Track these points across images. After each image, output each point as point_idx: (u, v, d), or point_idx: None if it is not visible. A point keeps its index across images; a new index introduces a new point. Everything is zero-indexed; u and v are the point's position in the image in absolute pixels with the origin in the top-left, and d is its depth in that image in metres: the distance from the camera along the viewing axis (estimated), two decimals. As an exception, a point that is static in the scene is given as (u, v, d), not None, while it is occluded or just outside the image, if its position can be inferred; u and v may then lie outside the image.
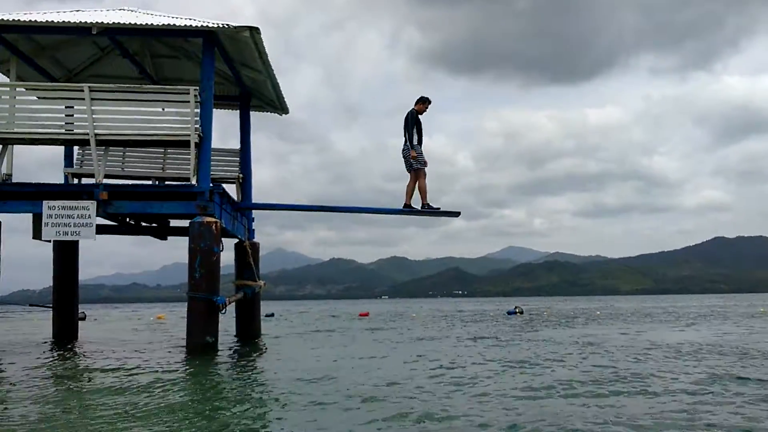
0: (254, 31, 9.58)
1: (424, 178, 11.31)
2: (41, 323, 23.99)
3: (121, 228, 12.65)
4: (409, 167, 11.22)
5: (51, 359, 10.18)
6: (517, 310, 33.14)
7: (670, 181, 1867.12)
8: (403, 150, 11.22)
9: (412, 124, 11.13)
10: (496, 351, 10.77)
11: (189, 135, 9.68)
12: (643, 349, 10.59)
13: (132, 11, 10.85)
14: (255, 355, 10.67)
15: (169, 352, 11.20)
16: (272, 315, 32.54)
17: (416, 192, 11.35)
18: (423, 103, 11.32)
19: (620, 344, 11.64)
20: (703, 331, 15.83)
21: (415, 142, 11.12)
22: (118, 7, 11.22)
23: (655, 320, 22.15)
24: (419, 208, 11.44)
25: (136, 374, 7.87)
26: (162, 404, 5.70)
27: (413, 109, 11.27)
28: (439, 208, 11.51)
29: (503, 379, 7.20)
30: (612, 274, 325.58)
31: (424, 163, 11.24)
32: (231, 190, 12.09)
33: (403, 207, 11.47)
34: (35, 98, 10.31)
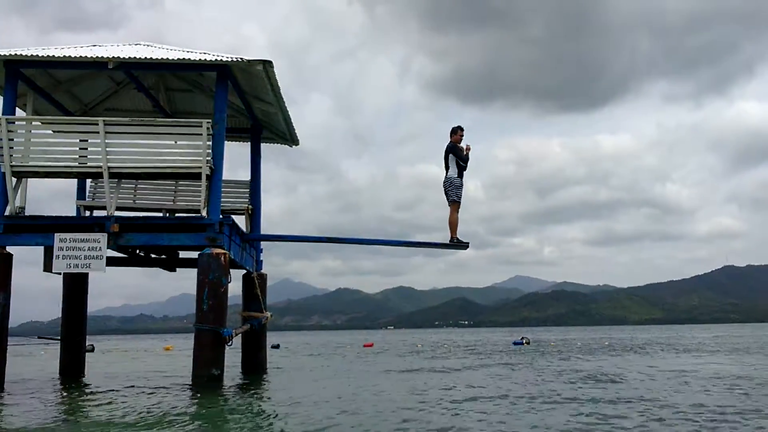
0: (267, 64, 9.73)
1: (456, 211, 11.22)
2: (48, 355, 23.90)
3: (131, 260, 12.65)
4: (449, 199, 11.20)
5: (57, 394, 10.10)
6: (524, 341, 32.79)
7: (683, 208, 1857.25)
8: (444, 182, 11.22)
9: (458, 155, 11.09)
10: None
11: (200, 167, 9.77)
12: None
13: (147, 45, 11.07)
14: (260, 389, 10.56)
15: (175, 384, 11.10)
16: (278, 346, 32.30)
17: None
18: (455, 133, 11.26)
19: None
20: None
21: (454, 174, 11.11)
22: (134, 41, 11.46)
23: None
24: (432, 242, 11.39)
25: (140, 408, 7.78)
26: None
27: (450, 141, 11.24)
28: (467, 243, 11.45)
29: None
30: (620, 303, 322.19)
31: (459, 197, 11.16)
32: (240, 221, 12.14)
33: (450, 241, 11.37)
34: (51, 132, 10.45)
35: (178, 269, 13.46)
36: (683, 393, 8.80)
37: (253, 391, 10.02)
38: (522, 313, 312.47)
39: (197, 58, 9.95)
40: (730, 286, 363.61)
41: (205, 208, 10.04)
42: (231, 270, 10.22)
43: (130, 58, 9.75)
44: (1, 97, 10.37)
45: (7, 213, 9.80)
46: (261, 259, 13.44)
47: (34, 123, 10.46)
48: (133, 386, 10.92)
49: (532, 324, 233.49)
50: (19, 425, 6.59)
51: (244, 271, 12.79)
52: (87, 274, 12.47)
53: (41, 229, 9.89)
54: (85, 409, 7.95)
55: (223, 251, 9.84)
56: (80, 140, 10.17)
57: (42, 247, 10.32)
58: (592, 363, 15.96)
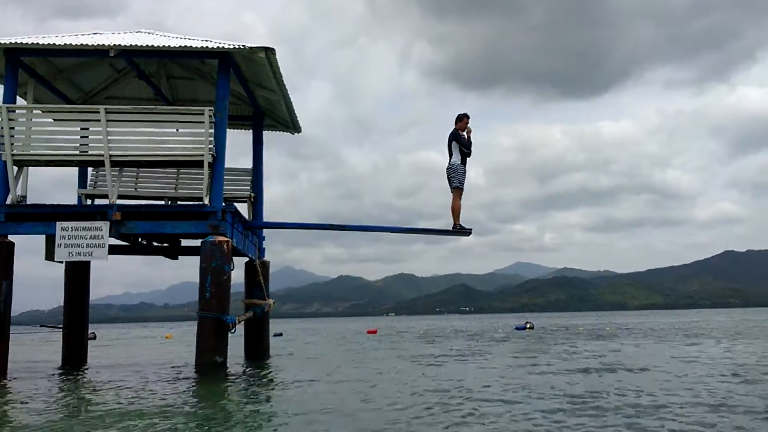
0: (269, 51, 9.66)
1: (459, 198, 11.22)
2: (51, 343, 24.01)
3: (133, 248, 12.67)
4: (451, 186, 11.22)
5: (61, 382, 10.15)
6: (527, 326, 32.91)
7: (683, 194, 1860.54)
8: (447, 169, 11.24)
9: (461, 142, 11.09)
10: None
11: (203, 155, 9.75)
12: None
13: (149, 33, 10.99)
14: (265, 375, 10.59)
15: (179, 372, 11.14)
16: (281, 334, 32.41)
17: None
18: (461, 120, 11.21)
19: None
20: None
21: (457, 161, 11.13)
22: (135, 29, 11.39)
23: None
24: (432, 229, 11.39)
25: (145, 396, 7.80)
26: (169, 427, 5.64)
27: (455, 128, 11.22)
28: (470, 230, 11.45)
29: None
30: (621, 289, 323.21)
31: (461, 183, 11.16)
32: (242, 208, 12.14)
33: (452, 227, 11.39)
34: (52, 120, 10.41)
35: (179, 257, 13.49)
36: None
37: (257, 378, 10.07)
38: (523, 299, 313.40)
39: (199, 46, 9.89)
40: (731, 271, 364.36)
41: (208, 196, 10.03)
42: (234, 257, 10.23)
43: (131, 45, 9.68)
44: (2, 86, 10.32)
45: (8, 202, 9.79)
46: (263, 246, 13.46)
47: (34, 111, 10.42)
48: (136, 374, 10.96)
49: (533, 310, 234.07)
50: (23, 413, 6.62)
51: (247, 259, 12.81)
52: (89, 262, 12.49)
53: (43, 218, 9.88)
54: (89, 397, 7.97)
55: (225, 239, 9.83)
56: (81, 128, 10.13)
57: (44, 236, 10.32)
58: (599, 348, 16.00)
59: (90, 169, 12.56)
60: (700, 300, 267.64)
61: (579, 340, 20.89)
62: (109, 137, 9.60)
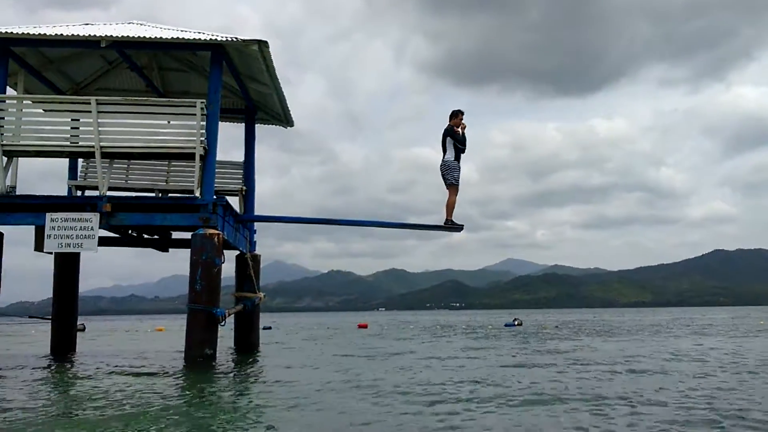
0: (262, 44, 9.64)
1: (454, 194, 11.29)
2: (39, 335, 23.89)
3: (123, 240, 12.64)
4: (446, 183, 11.27)
5: (48, 373, 10.11)
6: (516, 323, 33.08)
7: (676, 192, 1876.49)
8: (441, 166, 11.25)
9: (455, 138, 11.11)
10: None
11: (194, 148, 9.73)
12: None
13: (141, 24, 10.94)
14: (253, 368, 10.58)
15: (168, 364, 11.13)
16: (269, 327, 32.47)
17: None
18: (455, 116, 11.22)
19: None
20: None
21: (451, 157, 11.14)
22: (127, 20, 11.33)
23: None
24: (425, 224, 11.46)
25: (133, 387, 7.78)
26: (157, 418, 5.65)
27: (449, 124, 11.24)
28: (462, 226, 11.53)
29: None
30: (611, 286, 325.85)
31: (456, 180, 11.21)
32: (234, 202, 12.13)
33: (444, 222, 11.47)
34: (42, 111, 10.36)
35: (170, 250, 13.47)
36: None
37: (245, 371, 10.06)
38: (513, 296, 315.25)
39: (192, 38, 9.84)
40: (720, 270, 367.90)
41: (199, 189, 10.02)
42: (224, 251, 10.23)
43: (123, 36, 9.63)
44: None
45: (-3, 192, 9.74)
46: (254, 240, 13.46)
47: (25, 102, 10.36)
48: (125, 366, 10.94)
49: (523, 306, 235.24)
50: (9, 403, 6.60)
51: (238, 252, 12.81)
52: (78, 254, 12.45)
53: (33, 209, 9.83)
54: (72, 389, 7.95)
55: (216, 232, 9.83)
56: (72, 119, 10.09)
57: (33, 227, 10.28)
58: (592, 345, 16.11)
59: (80, 161, 12.51)
60: (690, 298, 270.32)
61: (569, 337, 21.02)
62: (99, 128, 9.56)
